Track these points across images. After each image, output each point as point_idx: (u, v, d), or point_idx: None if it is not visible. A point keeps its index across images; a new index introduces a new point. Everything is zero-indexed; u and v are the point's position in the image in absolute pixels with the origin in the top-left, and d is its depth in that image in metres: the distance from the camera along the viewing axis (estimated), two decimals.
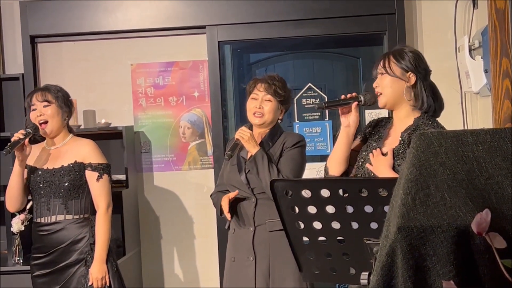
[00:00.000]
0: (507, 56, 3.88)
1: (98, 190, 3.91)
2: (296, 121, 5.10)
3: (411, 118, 3.04)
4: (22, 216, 4.49)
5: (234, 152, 3.71)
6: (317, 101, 5.08)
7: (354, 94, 3.10)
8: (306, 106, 5.10)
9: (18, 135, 3.79)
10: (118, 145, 4.94)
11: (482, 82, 4.40)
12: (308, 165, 3.91)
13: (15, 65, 5.22)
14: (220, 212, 3.81)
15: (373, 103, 3.10)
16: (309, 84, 5.12)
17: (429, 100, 3.06)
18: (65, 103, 3.97)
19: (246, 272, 3.74)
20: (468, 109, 4.91)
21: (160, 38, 5.17)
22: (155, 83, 5.19)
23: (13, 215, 4.55)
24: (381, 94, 3.05)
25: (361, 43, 5.28)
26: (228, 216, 3.70)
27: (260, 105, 3.79)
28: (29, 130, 3.82)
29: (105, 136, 4.84)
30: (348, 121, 3.07)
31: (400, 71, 3.04)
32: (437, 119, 3.09)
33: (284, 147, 3.76)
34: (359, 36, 5.10)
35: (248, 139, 3.69)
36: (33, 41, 5.15)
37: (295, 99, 5.06)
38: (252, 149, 3.70)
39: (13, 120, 5.17)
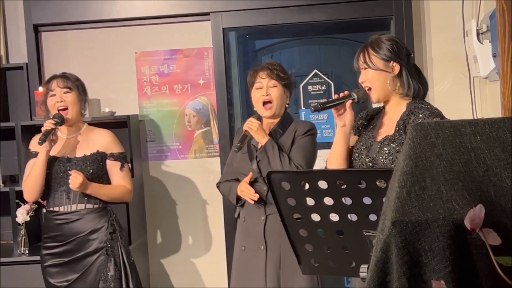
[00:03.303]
0: None
1: (122, 178, 3.98)
2: (303, 108, 5.05)
3: (403, 105, 3.03)
4: (27, 206, 4.48)
5: (243, 144, 3.71)
6: (323, 88, 5.04)
7: (346, 92, 3.08)
8: (312, 92, 5.04)
9: (49, 125, 3.77)
10: (123, 134, 4.90)
11: (491, 66, 4.33)
12: None
13: (19, 55, 5.19)
14: (236, 201, 3.80)
15: (366, 99, 3.09)
16: (315, 70, 5.06)
17: (416, 85, 3.03)
18: (84, 92, 4.01)
19: (256, 261, 3.73)
20: (476, 94, 4.84)
21: (164, 25, 5.13)
22: (160, 71, 5.15)
23: (18, 206, 4.54)
24: (370, 89, 3.04)
25: (367, 28, 5.21)
26: (256, 196, 3.66)
27: (267, 92, 3.78)
28: (57, 119, 3.81)
29: (110, 125, 4.79)
30: (344, 120, 3.04)
31: (382, 63, 3.01)
32: (441, 103, 3.07)
33: (296, 135, 3.76)
34: (366, 21, 5.02)
35: (257, 130, 3.68)
36: (36, 30, 5.12)
37: (301, 86, 5.01)
38: (261, 139, 3.70)
39: (18, 110, 5.15)
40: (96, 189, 3.88)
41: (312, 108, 3.03)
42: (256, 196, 3.66)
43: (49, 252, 3.95)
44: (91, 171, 3.88)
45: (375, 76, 3.01)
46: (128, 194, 4.02)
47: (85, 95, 4.03)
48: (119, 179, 3.97)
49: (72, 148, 3.94)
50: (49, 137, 3.78)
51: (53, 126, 3.77)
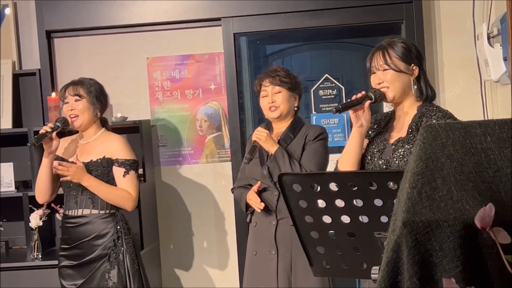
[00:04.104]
0: None
1: (125, 185, 3.93)
2: (313, 112, 5.05)
3: (414, 108, 3.03)
4: (40, 211, 4.51)
5: (253, 155, 3.73)
6: (334, 92, 5.04)
7: (363, 93, 3.04)
8: (323, 97, 5.05)
9: (46, 128, 3.82)
10: (135, 139, 4.92)
11: (502, 70, 4.33)
12: None
13: (32, 61, 5.23)
14: (245, 208, 3.83)
15: (382, 100, 3.06)
16: (326, 75, 5.07)
17: (431, 88, 3.05)
18: (98, 98, 4.01)
19: (268, 266, 3.74)
20: (488, 97, 4.83)
21: (175, 31, 5.15)
22: (171, 77, 5.17)
23: (31, 211, 4.57)
24: (387, 88, 3.02)
25: (378, 32, 5.21)
26: (262, 205, 3.69)
27: (272, 99, 3.81)
28: (58, 124, 3.85)
29: (122, 130, 4.82)
30: (361, 120, 3.01)
31: (403, 65, 3.00)
32: (452, 107, 3.07)
33: (307, 140, 3.76)
34: (376, 25, 5.03)
35: (266, 139, 3.70)
36: (49, 36, 5.16)
37: (312, 90, 5.02)
38: (271, 148, 3.71)
39: (31, 115, 5.19)
40: (94, 183, 3.86)
41: (334, 110, 3.00)
42: (261, 205, 3.68)
43: (62, 253, 3.99)
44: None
45: (396, 77, 2.99)
46: (129, 201, 3.92)
47: (99, 101, 4.01)
48: (122, 186, 3.93)
49: (85, 153, 3.96)
50: (45, 140, 3.79)
51: (49, 130, 3.80)
